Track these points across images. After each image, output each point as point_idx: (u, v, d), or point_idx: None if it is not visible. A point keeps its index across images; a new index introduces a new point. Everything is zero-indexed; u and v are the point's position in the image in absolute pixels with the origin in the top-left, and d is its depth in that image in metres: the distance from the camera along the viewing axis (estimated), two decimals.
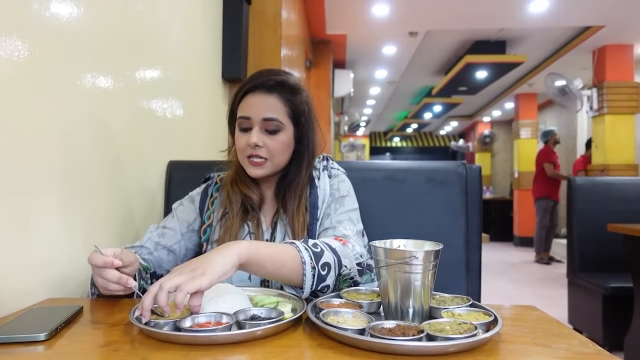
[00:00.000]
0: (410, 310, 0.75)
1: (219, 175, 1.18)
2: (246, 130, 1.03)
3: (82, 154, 1.06)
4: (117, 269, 0.84)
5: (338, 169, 1.16)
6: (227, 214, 1.08)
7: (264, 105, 1.01)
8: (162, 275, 1.06)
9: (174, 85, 1.59)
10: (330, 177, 1.13)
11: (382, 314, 0.80)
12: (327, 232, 1.04)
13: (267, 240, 1.07)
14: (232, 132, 1.10)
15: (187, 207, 1.14)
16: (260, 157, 1.02)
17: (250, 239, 1.06)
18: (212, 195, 1.14)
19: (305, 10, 4.23)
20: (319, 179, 1.12)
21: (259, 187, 1.11)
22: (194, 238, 1.12)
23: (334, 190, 1.11)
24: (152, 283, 0.97)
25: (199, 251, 1.13)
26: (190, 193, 1.17)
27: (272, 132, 1.02)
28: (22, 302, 0.87)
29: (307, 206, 1.08)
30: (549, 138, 6.28)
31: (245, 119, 1.02)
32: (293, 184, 1.07)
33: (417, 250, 0.74)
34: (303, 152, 1.08)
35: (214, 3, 2.04)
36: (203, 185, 1.18)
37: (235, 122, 1.06)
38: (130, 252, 0.92)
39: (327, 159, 1.17)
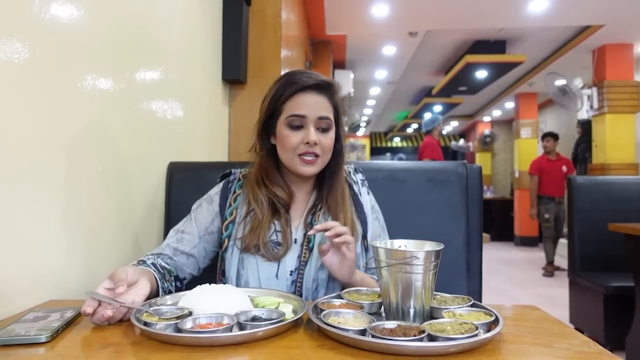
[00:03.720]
0: (411, 311, 0.75)
1: (241, 172, 1.17)
2: (297, 128, 1.03)
3: (83, 156, 1.06)
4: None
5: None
6: (252, 211, 1.08)
7: (319, 104, 1.04)
8: (184, 279, 1.10)
9: (174, 86, 1.59)
10: (368, 193, 1.18)
11: (383, 314, 0.80)
12: None
13: (295, 240, 1.08)
14: (263, 130, 1.09)
15: (205, 209, 1.13)
16: (315, 155, 1.04)
17: (277, 238, 1.06)
18: (234, 192, 1.13)
19: (305, 11, 4.23)
20: (360, 194, 1.15)
21: (289, 186, 1.11)
22: (212, 240, 1.12)
23: (373, 205, 1.17)
24: (175, 285, 1.03)
25: (218, 251, 1.13)
26: (209, 192, 1.16)
27: (324, 130, 1.05)
28: (23, 303, 0.87)
29: (354, 217, 1.11)
30: (434, 127, 5.24)
31: (299, 117, 1.03)
32: (334, 182, 1.10)
33: (418, 251, 0.74)
34: (340, 150, 1.11)
35: (213, 4, 2.04)
36: (221, 184, 1.16)
37: (274, 120, 1.06)
38: (134, 269, 0.90)
39: (360, 172, 1.20)
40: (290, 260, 1.05)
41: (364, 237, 1.10)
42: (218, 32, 2.10)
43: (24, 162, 0.88)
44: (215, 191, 1.15)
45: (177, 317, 0.73)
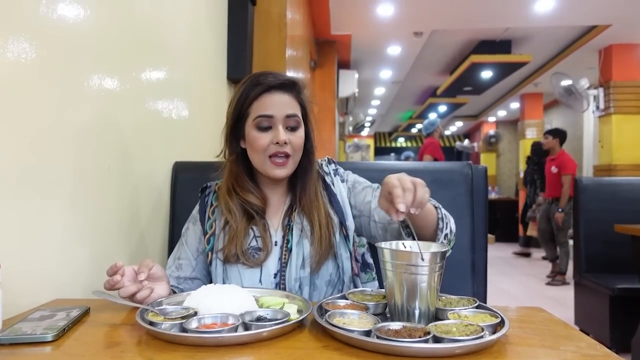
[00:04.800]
0: (417, 312, 0.75)
1: (217, 184, 1.17)
2: (265, 129, 1.03)
3: (89, 155, 1.07)
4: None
5: (344, 170, 1.18)
6: (229, 222, 1.07)
7: (285, 103, 1.03)
8: None
9: (179, 86, 1.60)
10: (343, 180, 1.15)
11: (388, 315, 0.80)
12: None
13: (276, 242, 1.07)
14: (232, 135, 1.08)
15: (192, 231, 1.13)
16: (286, 155, 1.03)
17: (257, 243, 1.06)
18: (212, 205, 1.13)
19: (310, 11, 4.23)
20: (333, 184, 1.13)
21: (261, 190, 1.10)
22: (206, 257, 1.12)
23: (356, 184, 1.14)
24: None
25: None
26: (192, 212, 1.16)
27: (293, 128, 1.04)
28: (29, 302, 0.88)
29: (329, 208, 1.09)
30: (434, 129, 5.34)
31: (267, 117, 1.02)
32: (307, 181, 1.09)
33: (424, 252, 0.74)
34: (311, 149, 1.10)
35: (219, 4, 2.04)
36: (200, 199, 1.16)
37: (242, 123, 1.05)
38: (162, 268, 0.95)
39: (333, 162, 1.18)
40: (272, 264, 1.04)
41: (342, 225, 1.09)
42: (223, 32, 2.11)
43: (30, 161, 0.88)
44: (196, 209, 1.16)
45: (183, 317, 0.74)
